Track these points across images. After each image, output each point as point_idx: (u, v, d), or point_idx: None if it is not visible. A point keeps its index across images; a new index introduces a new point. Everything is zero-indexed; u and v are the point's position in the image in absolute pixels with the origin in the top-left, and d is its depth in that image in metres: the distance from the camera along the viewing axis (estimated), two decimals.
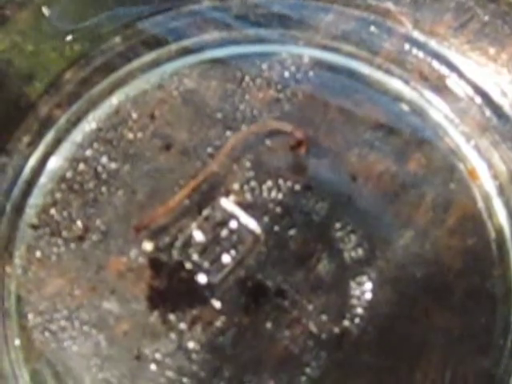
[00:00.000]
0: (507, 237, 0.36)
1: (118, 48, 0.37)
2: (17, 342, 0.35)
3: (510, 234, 0.36)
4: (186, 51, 0.37)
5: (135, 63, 0.37)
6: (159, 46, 0.38)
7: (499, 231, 0.36)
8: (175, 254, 0.35)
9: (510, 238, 0.36)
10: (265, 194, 0.36)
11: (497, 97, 0.37)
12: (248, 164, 0.36)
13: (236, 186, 0.36)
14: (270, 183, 0.36)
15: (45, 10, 0.38)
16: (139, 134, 0.36)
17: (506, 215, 0.36)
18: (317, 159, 0.36)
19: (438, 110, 0.37)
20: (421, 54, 0.37)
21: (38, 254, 0.36)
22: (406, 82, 0.37)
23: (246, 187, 0.36)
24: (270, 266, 0.35)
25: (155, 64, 0.37)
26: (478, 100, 0.37)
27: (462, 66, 0.37)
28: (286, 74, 0.37)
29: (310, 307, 0.35)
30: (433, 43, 0.37)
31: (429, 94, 0.37)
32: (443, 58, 0.37)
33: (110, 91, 0.37)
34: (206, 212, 0.35)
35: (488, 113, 0.37)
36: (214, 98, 0.37)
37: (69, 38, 0.37)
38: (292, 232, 0.36)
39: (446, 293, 0.35)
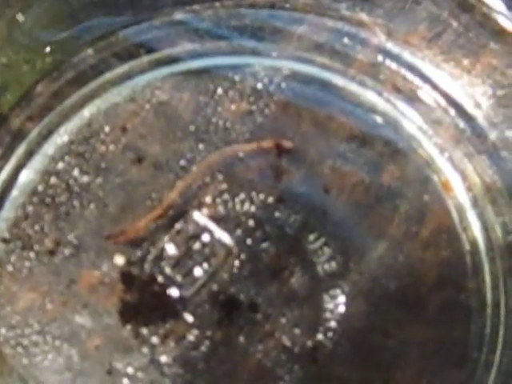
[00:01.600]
0: (481, 249, 0.36)
1: (90, 60, 0.37)
2: None
3: (484, 246, 0.36)
4: (158, 63, 0.37)
5: (107, 75, 0.37)
6: (131, 58, 0.37)
7: (473, 243, 0.36)
8: (147, 267, 0.35)
9: (484, 251, 0.36)
10: (237, 206, 0.36)
11: (470, 108, 0.37)
12: (220, 177, 0.36)
13: (208, 199, 0.36)
14: (242, 196, 0.35)
15: (19, 17, 0.36)
16: (111, 147, 0.36)
17: (480, 227, 0.36)
18: (291, 172, 0.36)
19: (411, 121, 0.37)
20: (394, 66, 0.37)
21: (10, 267, 0.35)
22: (380, 94, 0.37)
23: (218, 200, 0.36)
24: (242, 280, 0.35)
25: (127, 76, 0.37)
26: (452, 112, 0.37)
27: (435, 77, 0.37)
28: (259, 85, 0.36)
29: (283, 321, 0.35)
30: (406, 54, 0.37)
31: (402, 106, 0.37)
32: (417, 69, 0.37)
33: (82, 104, 0.37)
34: (178, 225, 0.35)
35: (462, 124, 0.37)
36: (187, 110, 0.37)
37: (47, 49, 0.37)
38: (265, 245, 0.36)
39: (420, 305, 0.35)
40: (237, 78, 0.37)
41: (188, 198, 0.36)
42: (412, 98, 0.37)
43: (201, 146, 0.36)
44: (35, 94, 0.37)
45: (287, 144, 0.36)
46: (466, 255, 0.36)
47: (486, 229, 0.37)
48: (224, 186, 0.36)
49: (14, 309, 0.35)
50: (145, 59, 0.37)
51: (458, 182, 0.37)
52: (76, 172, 0.36)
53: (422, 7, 0.37)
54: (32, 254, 0.36)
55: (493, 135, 0.36)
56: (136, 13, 0.38)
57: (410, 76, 0.37)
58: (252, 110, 0.36)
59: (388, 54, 0.37)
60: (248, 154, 0.37)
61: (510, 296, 0.36)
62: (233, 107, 0.36)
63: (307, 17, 0.37)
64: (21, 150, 0.37)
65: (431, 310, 0.35)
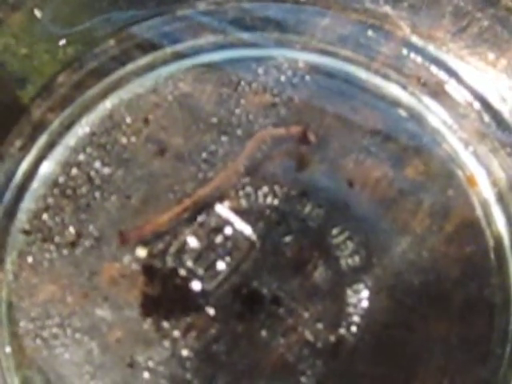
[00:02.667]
0: (506, 244, 0.36)
1: (112, 51, 0.37)
2: (8, 349, 0.35)
3: (509, 241, 0.36)
4: (181, 55, 0.37)
5: (129, 67, 0.37)
6: (154, 50, 0.37)
7: (498, 239, 0.36)
8: (169, 260, 0.35)
9: (508, 246, 0.36)
10: (260, 199, 0.36)
11: (496, 103, 0.37)
12: (243, 169, 0.36)
13: (231, 192, 0.36)
14: (265, 189, 0.35)
15: (37, 13, 0.36)
16: (133, 139, 0.36)
17: (505, 223, 0.36)
18: (314, 165, 0.36)
19: (436, 115, 0.37)
20: (419, 59, 0.37)
21: (30, 259, 0.36)
22: (404, 88, 0.37)
23: (241, 193, 0.36)
24: (265, 273, 0.35)
25: (149, 68, 0.37)
26: (477, 106, 0.37)
27: (460, 71, 0.37)
28: (283, 78, 0.36)
29: (306, 315, 0.35)
30: (431, 48, 0.37)
31: (427, 100, 0.37)
32: (441, 63, 0.37)
33: (104, 95, 0.37)
34: (200, 218, 0.35)
35: (487, 119, 0.37)
36: (209, 102, 0.37)
37: (62, 42, 0.37)
38: (288, 239, 0.36)
39: (444, 301, 0.35)
40: (260, 70, 0.36)
41: (212, 191, 0.37)
42: (437, 92, 0.37)
43: (223, 139, 0.36)
44: (56, 84, 0.37)
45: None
46: (490, 251, 0.36)
47: (511, 224, 0.37)
48: (247, 179, 0.36)
49: (34, 301, 0.36)
50: (168, 50, 0.37)
51: (483, 176, 0.37)
52: (97, 164, 0.36)
53: (446, 1, 0.37)
54: (52, 246, 0.36)
55: None
56: (159, 4, 0.38)
57: (434, 70, 0.37)
58: (275, 103, 0.36)
59: (412, 47, 0.37)
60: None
61: None
62: (256, 99, 0.36)
63: (330, 10, 0.38)
64: (42, 141, 0.37)
65: (455, 306, 0.35)
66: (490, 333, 0.35)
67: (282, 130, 0.37)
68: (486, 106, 0.37)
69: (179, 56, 0.37)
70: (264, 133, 0.37)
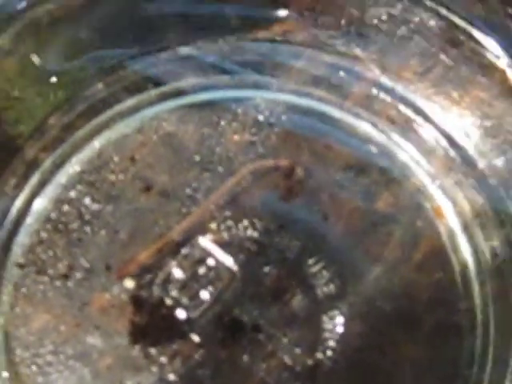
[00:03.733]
0: (471, 271, 0.37)
1: (100, 94, 0.38)
2: (5, 374, 0.36)
3: (474, 268, 0.37)
4: (165, 96, 0.38)
5: (116, 108, 0.38)
6: (139, 92, 0.38)
7: (464, 266, 0.37)
8: (156, 290, 0.36)
9: (474, 273, 0.37)
10: (241, 232, 0.37)
11: (460, 139, 0.38)
12: (223, 203, 0.37)
13: (213, 225, 0.37)
14: (245, 222, 0.37)
15: (35, 59, 0.37)
16: (120, 176, 0.37)
17: (470, 251, 0.37)
18: (291, 200, 0.38)
19: (404, 151, 0.38)
20: (388, 98, 0.38)
21: (25, 291, 0.36)
22: (375, 125, 0.38)
23: (222, 226, 0.37)
24: (246, 302, 0.36)
25: (135, 109, 0.38)
26: (443, 142, 0.38)
27: (427, 109, 0.38)
28: (260, 117, 0.37)
29: (285, 341, 0.36)
30: (399, 88, 0.38)
31: (396, 137, 0.38)
32: (409, 101, 0.38)
33: (93, 135, 0.38)
34: (184, 250, 0.36)
35: (452, 154, 0.38)
36: (192, 141, 0.38)
37: (53, 79, 0.38)
38: (267, 269, 0.37)
39: (415, 326, 0.36)
40: (239, 110, 0.38)
41: (194, 225, 0.38)
42: (405, 129, 0.39)
43: (206, 175, 0.37)
44: (48, 126, 0.38)
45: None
46: (456, 277, 0.37)
47: (476, 252, 0.37)
48: (228, 213, 0.37)
49: (28, 330, 0.36)
50: (152, 92, 0.38)
51: (449, 208, 0.38)
52: (87, 200, 0.37)
53: (413, 43, 0.37)
54: (46, 278, 0.36)
55: (481, 164, 0.37)
56: (143, 46, 0.39)
57: (402, 108, 0.38)
58: (254, 141, 0.37)
59: (382, 87, 0.38)
60: (254, 174, 0.37)
61: (499, 316, 0.37)
62: (235, 138, 0.38)
63: (305, 52, 0.38)
64: (34, 179, 0.38)
65: (425, 330, 0.36)
66: (458, 355, 0.36)
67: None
68: (452, 142, 0.38)
69: (163, 97, 0.38)
70: (252, 166, 0.38)
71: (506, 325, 0.37)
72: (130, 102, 0.38)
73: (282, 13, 0.38)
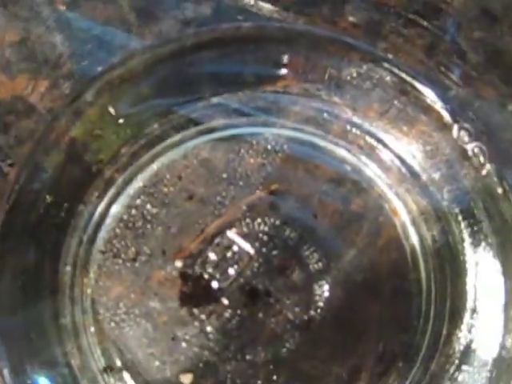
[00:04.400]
0: (418, 252, 0.42)
1: (156, 132, 0.42)
2: (92, 329, 0.41)
3: (420, 250, 0.42)
4: (202, 133, 0.42)
5: (167, 142, 0.42)
6: (183, 130, 0.42)
7: (412, 249, 0.42)
8: (197, 268, 0.41)
9: (420, 254, 0.42)
10: (256, 227, 0.42)
11: (409, 159, 0.42)
12: (245, 208, 0.41)
13: (237, 223, 0.41)
14: (259, 220, 0.41)
15: (110, 108, 0.41)
16: (171, 189, 0.42)
17: (417, 238, 0.42)
18: (291, 203, 0.42)
19: (370, 169, 0.43)
20: (358, 132, 0.43)
21: (105, 270, 0.41)
22: (349, 151, 0.43)
23: (243, 223, 0.42)
24: (260, 276, 0.41)
25: (181, 142, 0.42)
26: (397, 162, 0.43)
27: (385, 139, 0.43)
28: (269, 146, 0.42)
29: (288, 302, 0.41)
30: (366, 124, 0.43)
31: (364, 158, 0.43)
32: (373, 134, 0.43)
33: (151, 161, 0.42)
34: (217, 240, 0.41)
35: (403, 170, 0.43)
36: (221, 164, 0.42)
37: (121, 121, 0.42)
38: (275, 252, 0.41)
39: (378, 291, 0.41)
40: (254, 141, 0.42)
41: (223, 223, 0.42)
42: (370, 154, 0.43)
43: (231, 188, 0.42)
44: (120, 154, 0.42)
45: (277, 188, 0.41)
46: (408, 257, 0.42)
47: (421, 239, 0.42)
48: (247, 214, 0.41)
49: (108, 297, 0.41)
50: (193, 130, 0.42)
51: (402, 208, 0.43)
52: (148, 206, 0.42)
53: (375, 92, 0.42)
54: (120, 261, 0.41)
55: (424, 177, 0.42)
56: (185, 97, 0.42)
57: (368, 138, 0.43)
58: (264, 163, 0.42)
59: (353, 124, 0.43)
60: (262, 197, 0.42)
61: (437, 284, 0.41)
62: (251, 161, 0.42)
63: (299, 100, 0.42)
64: (111, 192, 0.42)
65: (385, 294, 0.41)
66: (409, 312, 0.41)
67: (264, 192, 0.41)
68: (403, 161, 0.43)
69: (200, 133, 0.42)
70: (253, 196, 0.42)
71: (442, 290, 0.41)
72: (177, 137, 0.42)
73: (283, 72, 0.42)
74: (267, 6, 0.40)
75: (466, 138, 0.41)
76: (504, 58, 0.40)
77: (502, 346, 0.40)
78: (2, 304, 0.40)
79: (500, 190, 0.41)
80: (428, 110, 0.41)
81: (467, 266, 0.42)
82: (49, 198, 0.41)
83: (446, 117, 0.41)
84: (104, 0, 0.40)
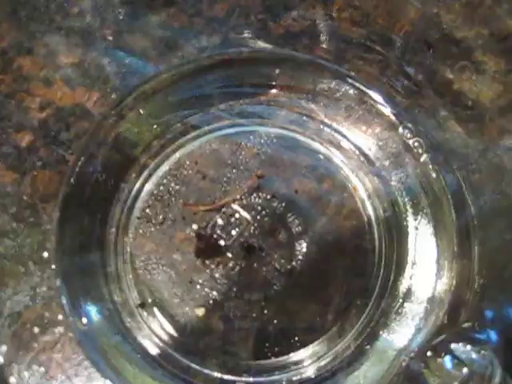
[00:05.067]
0: (373, 220, 0.45)
1: (178, 129, 0.45)
2: (130, 275, 0.44)
3: (374, 218, 0.45)
4: (212, 130, 0.45)
5: (187, 137, 0.45)
6: (199, 128, 0.45)
7: (369, 218, 0.45)
8: (208, 230, 0.44)
9: (374, 220, 0.45)
10: (252, 200, 0.44)
11: (366, 150, 0.45)
12: (244, 187, 0.44)
13: (239, 197, 0.44)
14: (254, 195, 0.44)
15: (141, 111, 0.43)
16: (190, 172, 0.44)
17: (372, 209, 0.45)
18: (278, 183, 0.44)
19: (337, 157, 0.45)
20: (329, 130, 0.45)
21: (140, 231, 0.44)
22: (321, 144, 0.45)
23: (243, 197, 0.44)
24: (255, 236, 0.44)
25: (197, 137, 0.45)
26: (357, 153, 0.45)
27: (349, 136, 0.45)
28: (262, 141, 0.44)
29: (276, 256, 0.44)
30: (334, 125, 0.45)
31: (333, 150, 0.45)
32: (340, 132, 0.45)
33: (175, 151, 0.45)
34: (224, 209, 0.44)
35: (362, 159, 0.45)
36: (227, 153, 0.44)
37: (155, 126, 0.44)
38: (266, 219, 0.44)
39: (343, 248, 0.44)
40: (251, 137, 0.45)
41: (229, 197, 0.44)
42: (338, 146, 0.45)
43: (234, 171, 0.44)
44: (151, 146, 0.45)
45: (264, 173, 0.43)
46: (365, 223, 0.45)
47: (375, 210, 0.45)
48: (246, 191, 0.44)
49: (142, 251, 0.44)
50: (206, 128, 0.45)
51: (361, 187, 0.45)
52: (172, 184, 0.44)
53: (342, 102, 0.44)
54: (151, 225, 0.44)
55: (377, 164, 0.44)
56: (200, 107, 0.45)
57: (336, 135, 0.45)
58: (259, 153, 0.44)
59: (325, 124, 0.45)
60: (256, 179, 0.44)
61: (387, 243, 0.44)
62: (250, 151, 0.44)
63: (285, 106, 0.45)
64: (145, 173, 0.45)
65: (348, 250, 0.44)
66: (366, 263, 0.44)
67: (257, 176, 0.43)
68: (362, 152, 0.45)
69: (211, 131, 0.45)
70: (251, 179, 0.43)
71: (390, 247, 0.44)
72: (194, 133, 0.45)
73: (273, 86, 0.44)
74: (261, 42, 0.43)
75: (409, 135, 0.43)
76: (437, 76, 0.42)
77: (434, 289, 0.43)
78: (64, 256, 0.42)
79: (434, 174, 0.43)
80: (380, 114, 0.44)
81: (409, 229, 0.44)
82: (99, 178, 0.43)
83: (394, 119, 0.44)
84: (141, 34, 0.43)
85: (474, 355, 0.39)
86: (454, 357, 0.39)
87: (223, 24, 0.43)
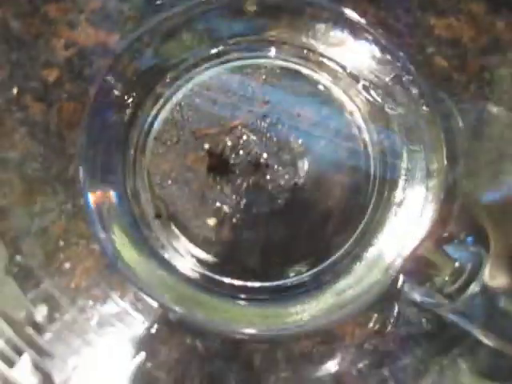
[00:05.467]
0: (368, 142, 0.47)
1: (191, 61, 0.47)
2: (148, 191, 0.47)
3: (369, 141, 0.47)
4: (223, 62, 0.48)
5: (199, 68, 0.47)
6: (210, 61, 0.47)
7: (364, 140, 0.47)
8: (219, 149, 0.46)
9: (369, 143, 0.47)
10: (259, 124, 0.47)
11: (363, 81, 0.47)
12: (252, 112, 0.46)
13: (247, 121, 0.47)
14: (261, 119, 0.47)
15: (157, 47, 0.45)
16: (201, 99, 0.47)
17: (367, 132, 0.47)
18: (282, 108, 0.47)
19: (336, 86, 0.47)
20: (327, 62, 0.48)
21: (156, 152, 0.47)
22: (321, 74, 0.47)
23: (250, 121, 0.47)
24: (261, 154, 0.47)
25: (209, 67, 0.48)
26: (354, 82, 0.47)
27: (347, 66, 0.47)
28: (267, 72, 0.47)
29: (280, 172, 0.46)
30: (333, 57, 0.47)
31: (332, 80, 0.47)
32: (338, 62, 0.47)
33: (188, 81, 0.47)
34: (233, 132, 0.47)
35: (359, 87, 0.47)
36: (236, 83, 0.47)
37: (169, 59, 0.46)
38: (271, 140, 0.47)
39: (341, 167, 0.46)
40: (257, 69, 0.47)
41: (238, 121, 0.46)
42: (336, 76, 0.48)
43: (243, 99, 0.47)
44: (166, 77, 0.48)
45: (268, 99, 0.45)
46: (361, 145, 0.47)
47: (370, 133, 0.47)
48: (253, 116, 0.46)
49: (157, 170, 0.47)
50: (217, 61, 0.47)
51: (357, 113, 0.47)
52: (185, 110, 0.47)
53: (338, 38, 0.46)
54: (165, 145, 0.47)
55: (372, 92, 0.47)
56: (212, 41, 0.47)
57: (335, 66, 0.48)
58: (265, 83, 0.47)
59: (324, 56, 0.47)
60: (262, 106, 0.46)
61: (381, 164, 0.46)
62: (257, 81, 0.47)
63: (288, 41, 0.47)
64: (161, 101, 0.48)
65: (345, 169, 0.47)
66: (361, 180, 0.47)
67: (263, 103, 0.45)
68: (358, 81, 0.47)
69: (222, 63, 0.47)
70: (257, 107, 0.45)
71: (383, 167, 0.47)
72: (206, 65, 0.48)
73: (280, 25, 0.46)
74: None
75: (401, 69, 0.46)
76: (423, 20, 0.45)
77: (425, 199, 0.46)
78: (87, 176, 0.45)
79: (424, 105, 0.46)
80: (374, 51, 0.47)
81: (402, 151, 0.47)
82: (119, 105, 0.46)
83: (387, 55, 0.47)
84: None
85: (463, 251, 0.43)
86: (446, 254, 0.42)
87: None
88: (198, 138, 0.47)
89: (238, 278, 0.46)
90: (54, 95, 0.45)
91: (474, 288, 0.40)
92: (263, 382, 0.43)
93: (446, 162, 0.45)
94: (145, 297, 0.44)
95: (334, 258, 0.46)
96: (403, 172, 0.47)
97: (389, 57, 0.47)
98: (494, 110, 0.44)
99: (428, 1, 0.45)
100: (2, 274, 0.41)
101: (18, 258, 0.42)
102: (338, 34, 0.47)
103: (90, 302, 0.43)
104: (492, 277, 0.39)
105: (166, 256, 0.46)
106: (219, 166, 0.47)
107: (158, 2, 0.46)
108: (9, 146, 0.43)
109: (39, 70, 0.45)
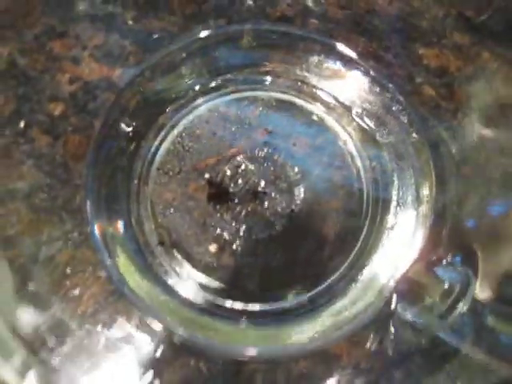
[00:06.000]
0: (361, 169, 0.48)
1: (191, 94, 0.49)
2: (151, 220, 0.48)
3: (362, 168, 0.48)
4: (221, 95, 0.49)
5: (198, 101, 0.49)
6: (209, 94, 0.49)
7: (357, 167, 0.49)
8: (219, 179, 0.48)
9: (362, 170, 0.48)
10: (256, 153, 0.48)
11: (355, 110, 0.49)
12: (249, 142, 0.47)
13: (244, 151, 0.48)
14: (258, 149, 0.48)
15: (158, 82, 0.47)
16: (201, 130, 0.49)
17: (360, 160, 0.49)
18: (278, 138, 0.48)
19: (329, 116, 0.49)
20: (320, 93, 0.49)
21: (159, 181, 0.48)
22: (315, 105, 0.49)
23: (248, 151, 0.48)
24: (259, 183, 0.48)
25: (208, 101, 0.49)
26: (346, 112, 0.49)
27: (339, 98, 0.49)
28: (263, 103, 0.49)
29: (278, 200, 0.48)
30: (325, 88, 0.49)
31: (326, 110, 0.49)
32: (331, 94, 0.49)
33: (188, 113, 0.49)
34: (231, 161, 0.48)
35: (350, 117, 0.49)
36: (234, 114, 0.49)
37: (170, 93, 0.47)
38: (268, 169, 0.48)
39: (335, 193, 0.48)
40: (254, 100, 0.49)
41: (236, 150, 0.47)
42: (329, 107, 0.49)
43: (240, 129, 0.48)
44: (167, 110, 0.49)
45: (269, 129, 0.47)
46: (354, 172, 0.49)
47: (363, 160, 0.48)
48: (251, 145, 0.48)
49: (161, 199, 0.48)
50: (215, 94, 0.49)
51: (350, 141, 0.49)
52: (186, 141, 0.49)
53: (331, 70, 0.48)
54: (168, 176, 0.48)
55: (364, 121, 0.49)
56: (210, 74, 0.49)
57: (327, 97, 0.49)
58: (261, 114, 0.49)
59: (317, 88, 0.49)
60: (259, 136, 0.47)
61: (373, 189, 0.48)
62: (253, 112, 0.49)
63: (283, 75, 0.48)
64: (163, 133, 0.49)
65: (340, 195, 0.48)
66: (356, 205, 0.48)
67: (260, 133, 0.47)
68: (350, 111, 0.49)
69: (219, 96, 0.49)
70: (259, 136, 0.46)
71: (376, 192, 0.48)
72: (205, 98, 0.49)
73: (274, 58, 0.48)
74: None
75: (391, 99, 0.48)
76: (411, 50, 0.47)
77: (416, 222, 0.47)
78: (93, 205, 0.46)
79: (414, 132, 0.47)
80: (365, 82, 0.49)
81: (393, 178, 0.49)
82: (122, 138, 0.48)
83: (377, 86, 0.48)
84: (156, 18, 0.48)
85: (452, 272, 0.44)
86: (436, 276, 0.44)
87: (227, 10, 0.49)
88: (199, 168, 0.48)
89: (239, 302, 0.46)
90: (59, 128, 0.46)
91: (462, 307, 0.40)
92: None
93: (435, 188, 0.46)
94: (149, 321, 0.44)
95: (330, 280, 0.47)
96: (395, 197, 0.48)
97: (379, 88, 0.49)
98: (481, 135, 0.45)
99: (416, 32, 0.46)
100: (11, 300, 0.41)
101: (29, 284, 0.42)
102: (330, 66, 0.49)
103: (98, 327, 0.43)
104: (480, 295, 0.40)
105: (170, 281, 0.47)
106: (219, 194, 0.48)
107: (155, 36, 0.48)
108: (16, 178, 0.44)
109: (45, 104, 0.46)
